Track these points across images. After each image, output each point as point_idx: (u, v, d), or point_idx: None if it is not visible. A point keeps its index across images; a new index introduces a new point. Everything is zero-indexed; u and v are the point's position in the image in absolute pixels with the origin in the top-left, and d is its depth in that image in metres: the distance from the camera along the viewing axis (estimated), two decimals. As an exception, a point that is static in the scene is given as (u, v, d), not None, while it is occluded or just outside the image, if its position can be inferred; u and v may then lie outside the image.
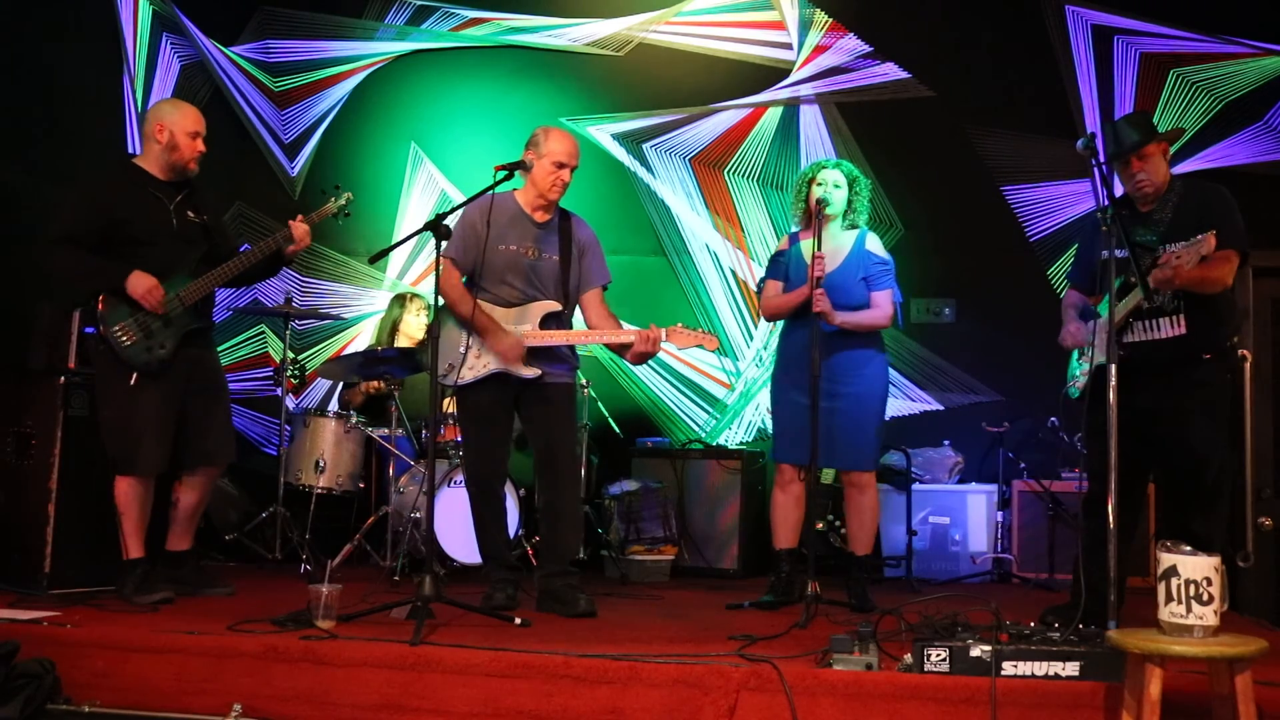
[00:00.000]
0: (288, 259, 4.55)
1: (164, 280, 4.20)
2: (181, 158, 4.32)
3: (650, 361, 4.40)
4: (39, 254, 4.28)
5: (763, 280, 4.88)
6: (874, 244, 4.70)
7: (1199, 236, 3.60)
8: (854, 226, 4.70)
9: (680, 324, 4.26)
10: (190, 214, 4.37)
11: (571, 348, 4.45)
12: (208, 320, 4.46)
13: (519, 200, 4.37)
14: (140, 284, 4.15)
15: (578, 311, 4.49)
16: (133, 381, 4.18)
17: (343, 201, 4.63)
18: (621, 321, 4.42)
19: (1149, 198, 3.95)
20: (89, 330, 4.40)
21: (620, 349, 4.33)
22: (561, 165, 4.27)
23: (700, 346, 4.26)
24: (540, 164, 4.26)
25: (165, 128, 4.31)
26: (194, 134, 4.34)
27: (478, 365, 4.25)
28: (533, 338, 4.25)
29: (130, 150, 5.95)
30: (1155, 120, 4.10)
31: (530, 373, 4.25)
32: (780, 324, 4.89)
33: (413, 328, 6.01)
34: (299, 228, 4.44)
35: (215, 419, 4.42)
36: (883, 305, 4.62)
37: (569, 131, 4.44)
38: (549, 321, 4.31)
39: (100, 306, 4.18)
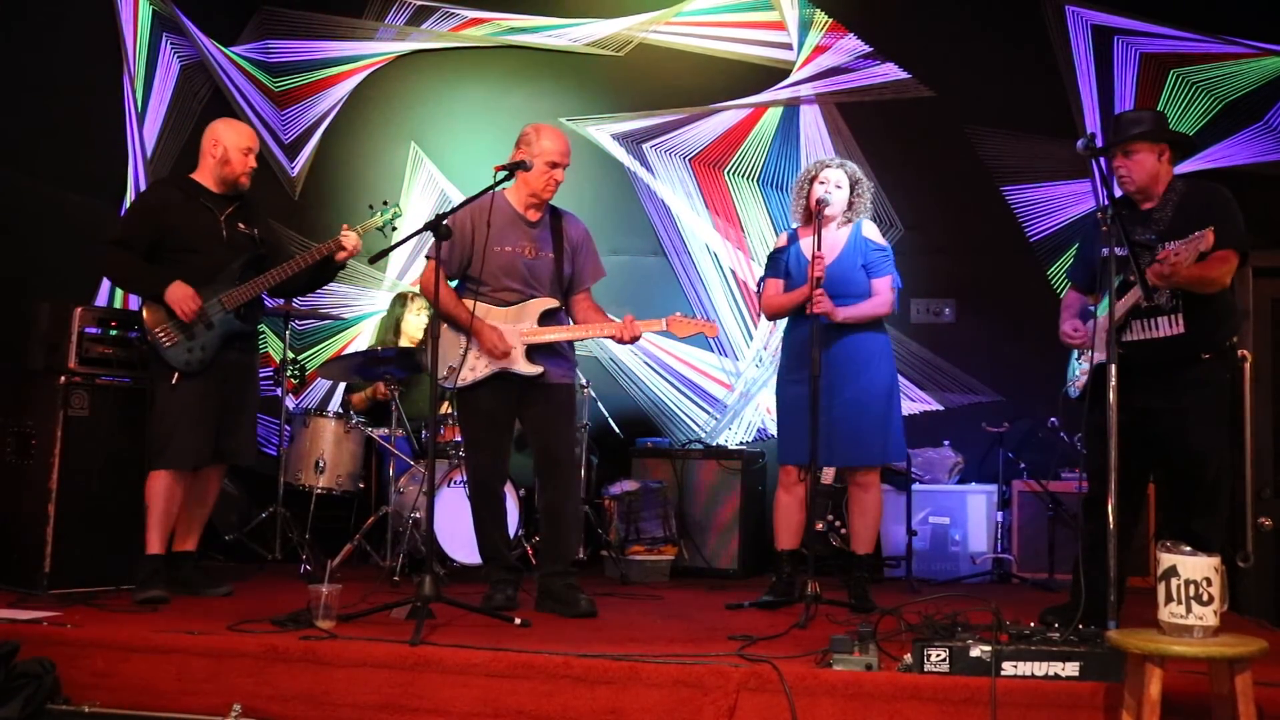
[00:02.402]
0: (339, 265, 4.66)
1: (209, 286, 4.36)
2: (233, 171, 4.51)
3: (650, 361, 4.42)
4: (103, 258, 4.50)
5: (762, 279, 4.88)
6: (871, 230, 4.69)
7: (1197, 233, 3.60)
8: (848, 223, 4.70)
9: (679, 313, 4.30)
10: (241, 226, 4.54)
11: (571, 346, 4.46)
12: (251, 326, 4.59)
13: (510, 200, 4.37)
14: (177, 294, 4.30)
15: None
16: (174, 380, 4.33)
17: (389, 215, 4.78)
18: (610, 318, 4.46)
19: (1135, 196, 3.97)
20: (84, 330, 4.50)
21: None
22: (555, 165, 4.29)
23: (701, 334, 4.30)
24: (534, 164, 4.26)
25: (220, 143, 4.52)
26: (246, 150, 4.54)
27: (478, 366, 4.25)
28: (530, 335, 4.26)
29: (130, 149, 5.97)
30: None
31: (531, 370, 4.25)
32: (783, 322, 4.88)
33: (414, 327, 6.01)
34: (349, 237, 4.57)
35: (242, 420, 4.56)
36: (882, 292, 4.61)
37: (558, 129, 4.45)
38: (547, 318, 4.32)
39: (144, 311, 4.35)
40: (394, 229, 4.82)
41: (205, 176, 4.54)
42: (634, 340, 4.35)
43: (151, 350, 4.35)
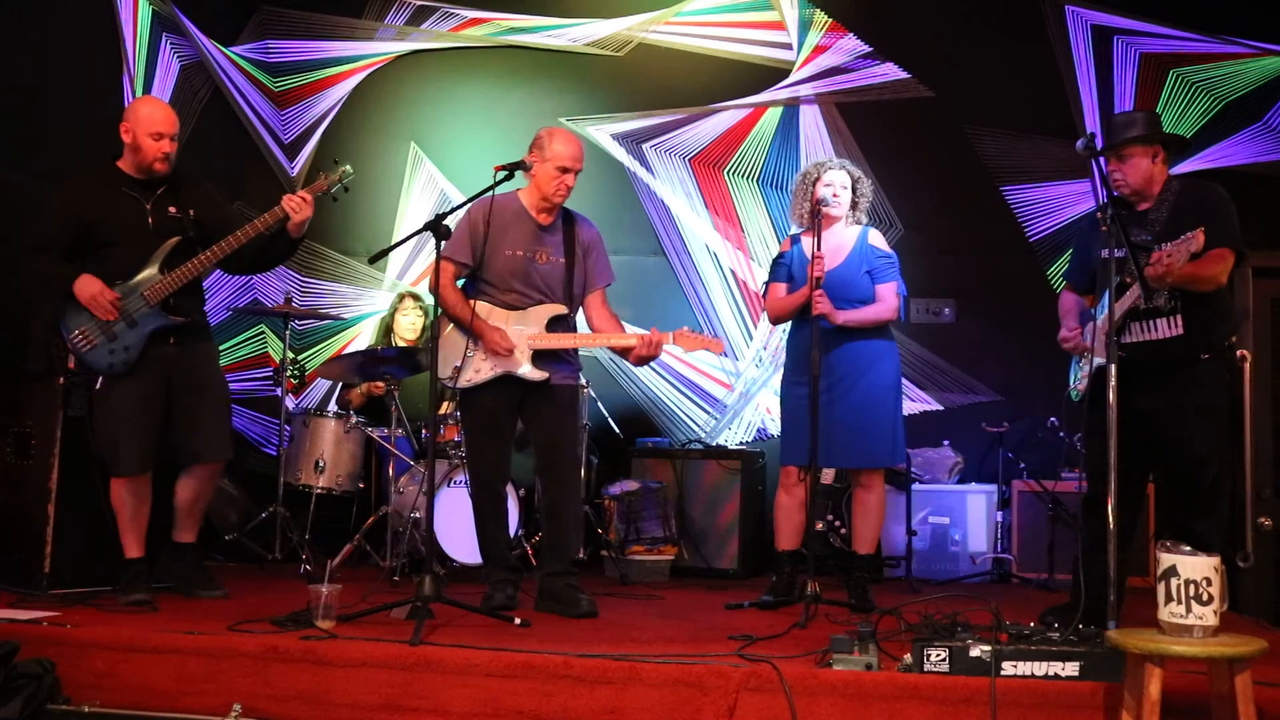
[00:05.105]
0: (295, 236, 4.31)
1: (131, 279, 4.13)
2: (145, 159, 4.23)
3: (651, 362, 4.40)
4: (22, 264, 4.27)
5: (766, 284, 4.88)
6: (876, 238, 4.71)
7: (1188, 234, 3.61)
8: (856, 224, 4.71)
9: (686, 328, 4.27)
10: (172, 210, 4.27)
11: (575, 349, 4.45)
12: (192, 315, 4.31)
13: (523, 200, 4.36)
14: (86, 289, 4.07)
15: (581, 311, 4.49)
16: (98, 385, 4.15)
17: (336, 176, 4.35)
18: (623, 323, 4.43)
19: (1130, 198, 3.97)
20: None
21: (622, 351, 4.33)
22: (565, 170, 4.25)
23: (707, 351, 4.27)
24: (544, 168, 4.24)
25: (129, 128, 4.23)
26: (156, 135, 4.21)
27: (483, 369, 4.24)
28: (538, 341, 4.24)
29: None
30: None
31: (537, 376, 4.24)
32: (789, 324, 4.88)
33: (403, 328, 6.02)
34: (289, 200, 4.20)
35: (200, 417, 4.30)
36: (886, 298, 4.62)
37: (573, 133, 4.43)
38: (555, 325, 4.30)
39: (63, 313, 4.12)
40: (346, 190, 4.42)
41: (126, 163, 4.26)
42: (653, 358, 4.26)
43: (75, 356, 4.12)
